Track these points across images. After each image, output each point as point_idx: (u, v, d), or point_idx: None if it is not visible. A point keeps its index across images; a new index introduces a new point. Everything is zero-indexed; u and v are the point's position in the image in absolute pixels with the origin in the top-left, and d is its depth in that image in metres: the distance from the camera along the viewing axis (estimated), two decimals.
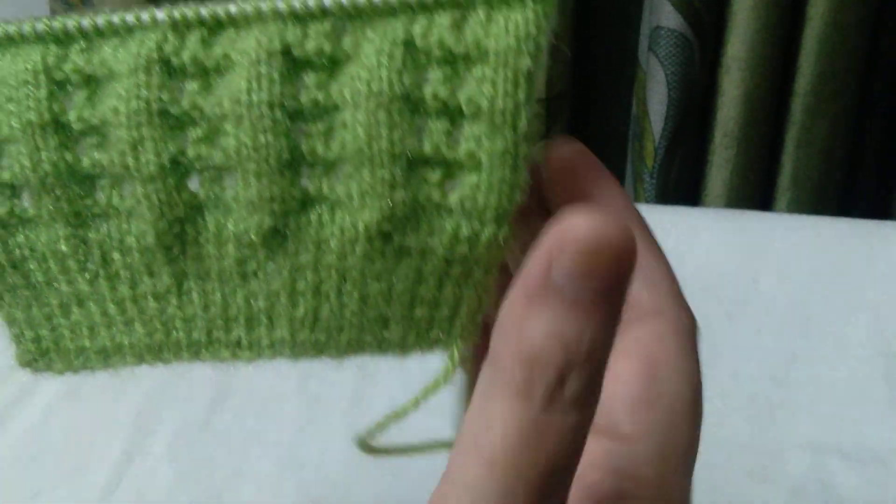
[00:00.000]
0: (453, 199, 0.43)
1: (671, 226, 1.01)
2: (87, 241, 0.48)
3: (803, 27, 1.17)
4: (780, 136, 1.23)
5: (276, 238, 0.46)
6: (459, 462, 0.36)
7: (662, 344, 0.39)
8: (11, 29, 0.46)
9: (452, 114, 0.43)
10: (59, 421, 0.95)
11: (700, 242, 0.99)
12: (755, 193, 1.24)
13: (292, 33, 0.44)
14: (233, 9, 0.44)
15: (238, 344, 0.48)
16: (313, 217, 0.45)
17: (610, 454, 0.38)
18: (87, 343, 0.50)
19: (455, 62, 0.42)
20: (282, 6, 0.44)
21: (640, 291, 0.41)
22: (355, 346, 0.48)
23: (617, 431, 0.38)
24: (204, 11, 0.45)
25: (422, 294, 0.46)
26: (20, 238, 0.49)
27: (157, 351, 0.49)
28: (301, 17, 0.44)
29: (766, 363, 0.88)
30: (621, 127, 1.29)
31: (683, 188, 1.23)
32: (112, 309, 0.49)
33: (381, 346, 0.48)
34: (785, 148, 1.23)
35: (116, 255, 0.48)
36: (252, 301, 0.47)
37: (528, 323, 0.34)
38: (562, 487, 0.35)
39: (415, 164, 0.43)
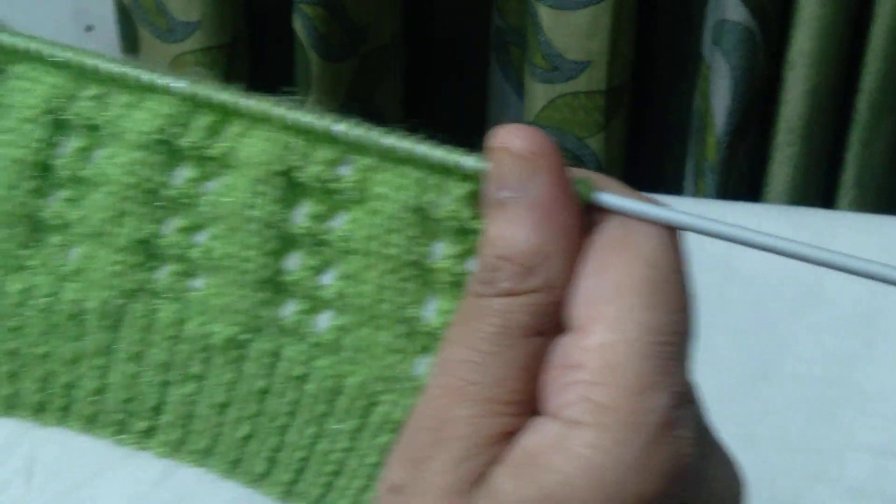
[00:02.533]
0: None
1: (732, 221, 1.00)
2: (2, 290, 0.46)
3: (871, 23, 1.15)
4: (845, 133, 1.21)
5: (235, 350, 0.44)
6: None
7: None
8: (35, 46, 0.45)
9: (460, 290, 0.41)
10: None
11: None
12: (818, 191, 1.23)
13: (296, 155, 0.42)
14: (245, 103, 0.43)
15: (146, 437, 0.46)
16: (287, 351, 0.44)
17: (563, 347, 0.39)
18: None
19: (467, 240, 0.41)
20: (289, 119, 0.42)
21: None
22: (291, 496, 0.45)
23: (572, 327, 0.39)
24: (218, 96, 0.43)
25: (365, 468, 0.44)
26: None
27: (37, 412, 0.47)
28: (309, 137, 0.42)
29: (828, 363, 0.87)
30: (682, 121, 1.28)
31: (745, 184, 1.22)
32: (22, 364, 0.47)
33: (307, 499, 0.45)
34: (849, 145, 1.21)
35: (30, 312, 0.46)
36: (186, 404, 0.45)
37: (484, 229, 0.40)
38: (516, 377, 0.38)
39: (410, 335, 0.42)
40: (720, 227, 0.39)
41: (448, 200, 0.41)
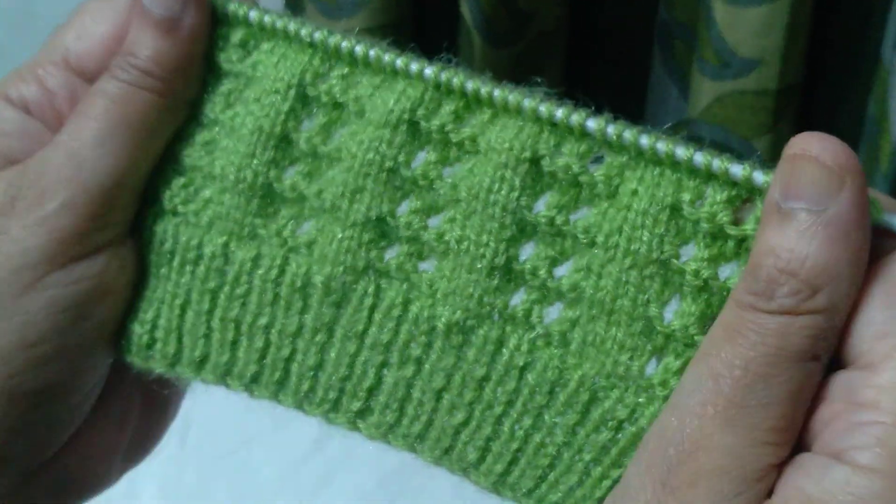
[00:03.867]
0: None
1: None
2: (230, 256, 0.47)
3: None
4: None
5: (458, 335, 0.44)
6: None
7: None
8: (286, 25, 0.46)
9: (705, 294, 0.40)
10: None
11: None
12: None
13: (545, 144, 0.42)
14: (496, 92, 0.43)
15: (359, 417, 0.46)
16: (512, 340, 0.43)
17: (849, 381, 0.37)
18: (181, 348, 0.49)
19: (720, 245, 0.40)
20: (543, 111, 0.42)
21: None
22: (502, 487, 0.45)
23: (859, 361, 0.37)
24: (469, 84, 0.43)
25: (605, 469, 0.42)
26: (182, 231, 0.48)
27: (251, 382, 0.48)
28: (559, 129, 0.42)
29: None
30: (853, 125, 1.24)
31: None
32: (217, 325, 0.48)
33: (524, 498, 0.44)
34: None
35: (257, 281, 0.47)
36: (403, 387, 0.45)
37: (761, 238, 0.37)
38: (781, 408, 0.36)
39: (646, 334, 0.41)
40: None
41: (705, 203, 0.40)
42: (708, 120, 1.20)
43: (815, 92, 1.25)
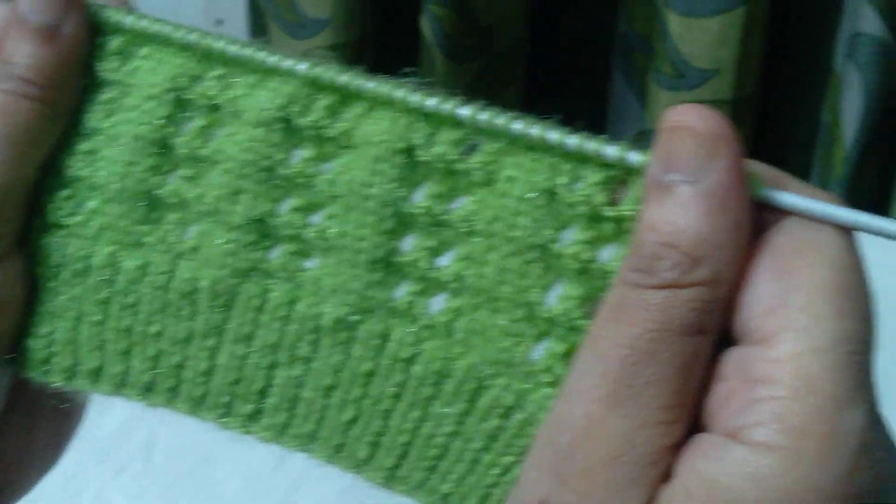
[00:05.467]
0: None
1: (860, 237, 0.98)
2: (119, 266, 0.47)
3: None
4: None
5: (344, 332, 0.44)
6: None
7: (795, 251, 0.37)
8: (161, 29, 0.46)
9: (588, 282, 0.40)
10: None
11: (891, 256, 0.95)
12: None
13: (419, 134, 0.42)
14: (369, 85, 0.43)
15: (251, 420, 0.46)
16: (396, 333, 0.44)
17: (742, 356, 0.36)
18: (77, 361, 0.48)
19: (598, 227, 0.40)
20: (414, 101, 0.42)
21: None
22: (393, 481, 0.45)
23: (751, 336, 0.36)
24: (342, 77, 0.43)
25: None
26: (69, 243, 0.47)
27: (146, 391, 0.47)
28: (433, 118, 0.42)
29: None
30: (807, 133, 1.26)
31: (873, 200, 1.20)
32: (110, 336, 0.47)
33: (423, 494, 0.44)
34: None
35: (146, 289, 0.47)
36: (292, 387, 0.45)
37: (643, 215, 0.37)
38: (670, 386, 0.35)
39: (529, 319, 0.41)
40: None
41: (581, 185, 0.40)
42: None
43: (771, 101, 1.27)
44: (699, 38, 1.16)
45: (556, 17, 1.36)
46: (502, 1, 1.24)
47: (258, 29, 1.34)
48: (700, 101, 1.16)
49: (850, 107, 1.14)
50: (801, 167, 1.26)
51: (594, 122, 1.37)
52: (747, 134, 1.23)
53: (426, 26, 1.24)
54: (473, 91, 1.29)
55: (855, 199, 1.17)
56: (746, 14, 1.14)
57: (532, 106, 1.37)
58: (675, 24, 1.16)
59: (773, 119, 1.28)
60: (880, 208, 1.21)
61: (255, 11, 1.34)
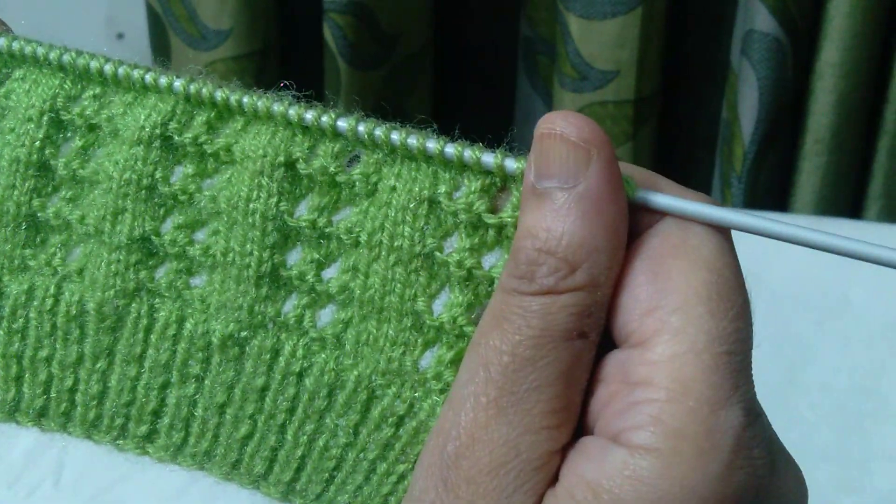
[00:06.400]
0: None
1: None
2: (4, 291, 0.46)
3: None
4: (873, 143, 1.21)
5: (234, 348, 0.44)
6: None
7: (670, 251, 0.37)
8: (35, 49, 0.45)
9: (471, 284, 0.41)
10: None
11: (789, 250, 0.98)
12: (846, 201, 1.23)
13: (299, 148, 0.43)
14: (245, 99, 0.43)
15: (147, 441, 0.46)
16: (287, 346, 0.44)
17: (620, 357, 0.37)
18: None
19: (480, 234, 0.41)
20: (293, 114, 0.42)
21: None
22: (292, 495, 0.45)
23: (630, 339, 0.36)
24: (218, 93, 0.43)
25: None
26: None
27: (39, 416, 0.47)
28: (311, 132, 0.42)
29: (855, 374, 0.87)
30: (709, 130, 1.28)
31: (773, 194, 1.22)
32: (24, 368, 0.47)
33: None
34: (877, 156, 1.21)
35: (33, 314, 0.46)
36: (186, 406, 0.45)
37: (520, 221, 0.37)
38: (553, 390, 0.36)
39: (417, 328, 0.42)
40: (781, 227, 0.36)
41: (461, 193, 0.40)
42: None
43: (675, 99, 1.29)
44: (599, 39, 1.17)
45: (459, 21, 1.36)
46: (405, 7, 1.24)
47: (160, 42, 1.33)
48: (603, 102, 1.18)
49: (746, 104, 1.16)
50: (704, 164, 1.28)
51: (501, 125, 1.38)
52: (651, 133, 1.24)
53: (329, 35, 1.23)
54: (379, 98, 1.30)
55: (755, 193, 1.20)
56: (644, 15, 1.16)
57: (438, 111, 1.37)
58: (576, 26, 1.17)
59: (677, 117, 1.29)
60: (780, 202, 1.23)
61: (156, 25, 1.32)
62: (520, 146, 0.40)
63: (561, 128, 0.36)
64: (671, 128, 1.29)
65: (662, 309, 0.35)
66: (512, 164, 0.39)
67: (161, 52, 1.33)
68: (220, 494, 0.89)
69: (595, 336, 0.36)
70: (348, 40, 1.23)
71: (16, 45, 0.46)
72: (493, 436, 0.35)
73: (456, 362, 0.41)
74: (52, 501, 0.91)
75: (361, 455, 0.43)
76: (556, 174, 0.36)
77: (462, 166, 0.40)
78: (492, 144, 0.41)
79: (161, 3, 1.29)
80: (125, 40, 1.42)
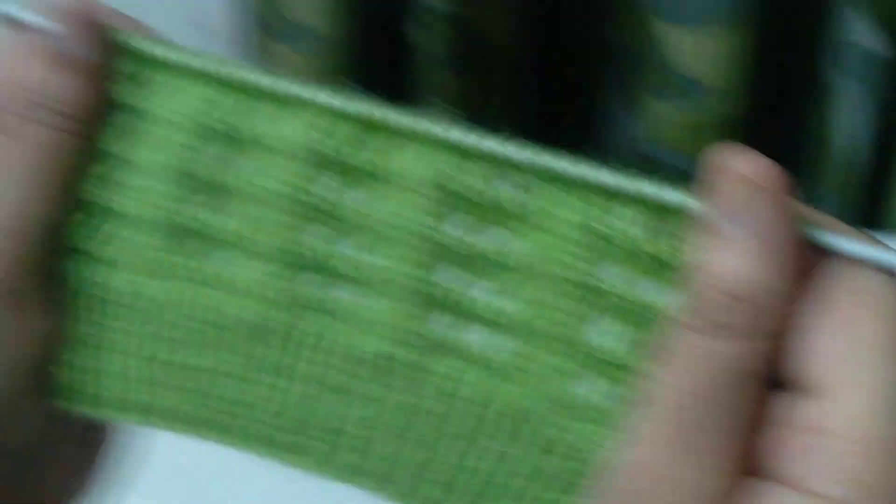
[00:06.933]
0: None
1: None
2: (145, 295, 0.46)
3: None
4: None
5: (385, 364, 0.43)
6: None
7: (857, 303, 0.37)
8: (181, 56, 0.45)
9: (628, 317, 0.40)
10: None
11: None
12: None
13: (451, 166, 0.42)
14: (393, 115, 0.42)
15: (294, 451, 0.46)
16: (436, 367, 0.43)
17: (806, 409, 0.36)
18: (104, 390, 0.48)
19: (639, 263, 0.40)
20: (445, 134, 0.41)
21: None
22: None
23: (807, 384, 0.36)
24: (366, 108, 0.43)
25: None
26: (94, 271, 0.47)
27: (195, 426, 0.47)
28: (463, 150, 0.42)
29: None
30: (802, 147, 1.26)
31: (868, 213, 1.21)
32: (133, 364, 0.47)
33: None
34: None
35: (177, 321, 0.46)
36: (334, 419, 0.45)
37: (694, 257, 0.37)
38: (729, 432, 0.36)
39: (570, 355, 0.41)
40: None
41: (618, 221, 0.40)
42: (657, 142, 1.21)
43: (767, 115, 1.27)
44: (693, 51, 1.16)
45: (547, 26, 1.35)
46: (499, 14, 1.24)
47: (244, 35, 1.33)
48: (694, 113, 1.17)
49: (845, 122, 1.14)
50: (797, 182, 1.27)
51: (580, 131, 1.37)
52: (742, 146, 1.23)
53: (420, 39, 1.23)
54: (466, 104, 1.29)
55: (847, 215, 1.18)
56: (741, 28, 1.14)
57: (522, 116, 1.36)
58: (668, 35, 1.16)
59: (771, 133, 1.28)
60: (873, 224, 1.22)
61: (241, 18, 1.33)
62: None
63: (742, 166, 0.37)
64: (762, 144, 1.28)
65: (846, 358, 0.35)
66: (678, 196, 0.39)
67: (245, 45, 1.33)
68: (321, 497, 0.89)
69: (770, 379, 0.36)
70: (439, 44, 1.22)
71: (161, 51, 0.46)
72: (663, 475, 0.35)
73: (610, 392, 0.40)
74: (145, 496, 0.91)
75: (510, 480, 0.42)
76: (737, 212, 0.36)
77: (622, 195, 0.40)
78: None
79: None
80: (208, 32, 1.42)
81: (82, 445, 0.53)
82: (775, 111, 1.28)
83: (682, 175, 0.40)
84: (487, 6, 1.23)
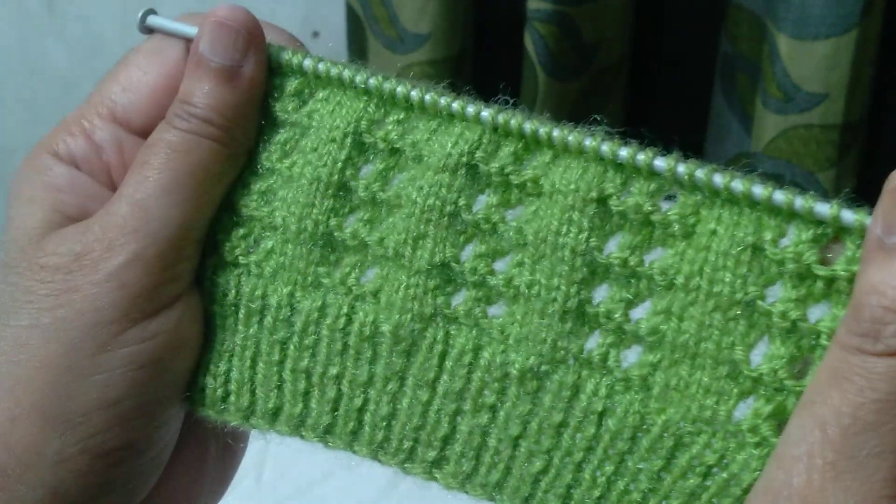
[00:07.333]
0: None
1: None
2: (296, 307, 0.47)
3: None
4: None
5: (533, 381, 0.43)
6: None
7: None
8: (341, 72, 0.46)
9: (794, 336, 0.40)
10: None
11: None
12: None
13: (612, 184, 0.42)
14: (555, 132, 0.42)
15: (435, 467, 0.46)
16: (589, 384, 0.43)
17: None
18: (255, 401, 0.48)
19: (808, 285, 0.39)
20: (606, 151, 0.42)
21: None
22: None
23: None
24: (527, 125, 0.43)
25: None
26: (244, 281, 0.48)
27: (325, 433, 0.47)
28: (625, 167, 0.42)
29: None
30: None
31: None
32: (288, 376, 0.47)
33: None
34: None
35: (325, 331, 0.46)
36: (478, 435, 0.45)
37: (863, 276, 0.36)
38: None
39: (733, 377, 0.40)
40: None
41: (789, 242, 0.39)
42: (771, 154, 1.19)
43: (880, 125, 1.24)
44: (810, 60, 1.13)
45: (657, 34, 1.34)
46: (607, 18, 1.23)
47: (356, 42, 1.34)
48: (809, 125, 1.15)
49: None
50: None
51: (693, 141, 1.35)
52: (857, 159, 1.20)
53: (529, 43, 1.23)
54: (573, 109, 1.28)
55: None
56: (859, 37, 1.12)
57: (631, 123, 1.35)
58: (786, 46, 1.14)
59: (884, 143, 1.25)
60: None
61: (354, 25, 1.34)
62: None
63: None
64: (877, 155, 1.25)
65: None
66: (850, 216, 0.38)
67: (357, 52, 1.34)
68: (420, 498, 0.89)
69: None
70: (549, 49, 1.22)
71: (322, 67, 0.47)
72: (828, 499, 0.34)
73: (774, 416, 0.39)
74: (253, 497, 0.93)
75: (664, 502, 0.42)
76: None
77: (790, 214, 0.39)
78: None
79: (362, 4, 1.30)
80: (320, 39, 1.44)
81: (220, 455, 0.53)
82: (892, 122, 1.26)
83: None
84: (601, 19, 1.23)
